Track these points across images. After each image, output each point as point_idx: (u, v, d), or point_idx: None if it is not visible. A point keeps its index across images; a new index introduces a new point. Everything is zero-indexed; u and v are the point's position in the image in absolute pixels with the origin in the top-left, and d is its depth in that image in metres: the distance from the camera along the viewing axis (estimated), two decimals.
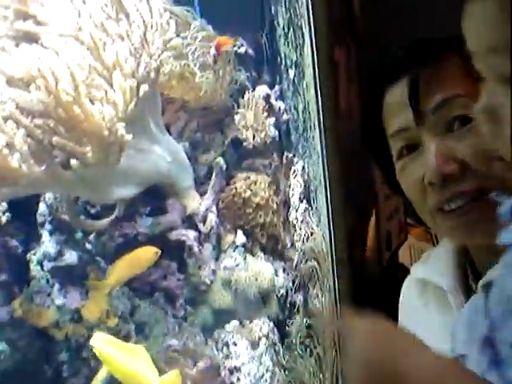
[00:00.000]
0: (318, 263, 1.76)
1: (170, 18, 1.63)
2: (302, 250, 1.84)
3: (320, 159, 1.85)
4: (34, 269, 1.56)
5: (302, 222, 1.91)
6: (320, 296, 1.72)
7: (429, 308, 0.93)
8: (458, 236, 0.82)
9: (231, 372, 1.63)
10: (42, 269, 1.57)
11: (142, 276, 1.62)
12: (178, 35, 1.72)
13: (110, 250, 1.61)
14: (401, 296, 1.01)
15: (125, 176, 1.51)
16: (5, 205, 1.49)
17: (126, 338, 1.60)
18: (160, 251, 1.59)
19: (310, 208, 1.90)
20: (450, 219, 0.79)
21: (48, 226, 1.58)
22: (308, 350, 1.74)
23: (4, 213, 1.45)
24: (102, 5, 1.48)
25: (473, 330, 0.64)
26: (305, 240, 1.85)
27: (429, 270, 0.92)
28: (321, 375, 1.69)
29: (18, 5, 1.39)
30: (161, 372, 1.49)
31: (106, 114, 1.34)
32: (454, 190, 0.77)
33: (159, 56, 1.51)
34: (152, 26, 1.52)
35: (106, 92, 1.34)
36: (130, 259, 1.58)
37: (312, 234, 1.85)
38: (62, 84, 1.26)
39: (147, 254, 1.59)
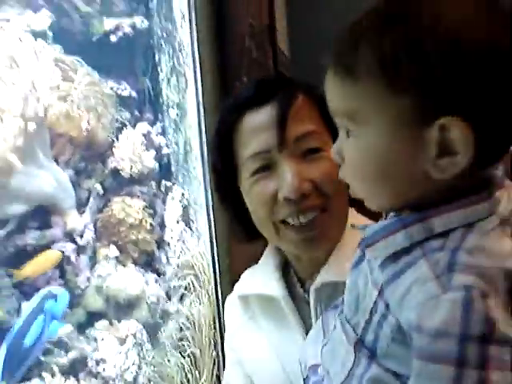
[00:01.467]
0: (196, 276, 2.18)
1: (56, 65, 2.15)
2: (177, 265, 2.31)
3: (202, 187, 2.36)
4: None
5: (177, 240, 2.37)
6: (198, 304, 2.12)
7: (256, 319, 1.10)
8: (300, 247, 0.98)
9: (98, 363, 2.11)
10: None
11: (30, 280, 2.12)
12: (65, 80, 2.29)
13: (3, 257, 2.06)
14: (225, 315, 1.19)
15: (16, 196, 2.01)
16: None
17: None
18: (61, 254, 2.11)
19: (188, 229, 2.35)
20: (296, 232, 0.96)
21: None
22: (180, 349, 2.11)
23: None
24: None
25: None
26: (180, 256, 2.31)
27: (257, 285, 1.08)
28: (196, 372, 2.04)
29: None
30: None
31: None
32: (306, 204, 0.94)
33: (46, 100, 2.07)
34: (40, 75, 2.03)
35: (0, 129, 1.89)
36: (41, 258, 2.06)
37: (189, 250, 2.27)
38: None
39: (53, 255, 2.10)
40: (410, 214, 0.66)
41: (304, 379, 0.83)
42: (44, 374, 2.03)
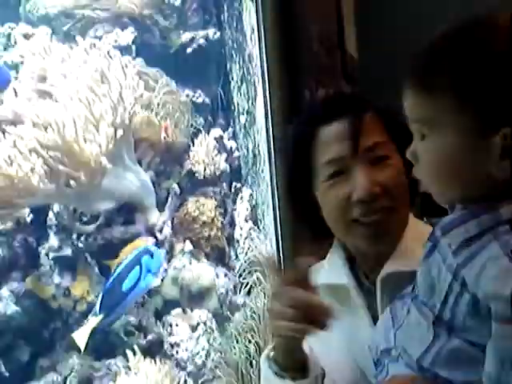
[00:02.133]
0: (262, 272, 2.39)
1: (140, 78, 2.43)
2: (244, 260, 2.55)
3: (269, 188, 2.26)
4: (43, 258, 2.43)
5: (246, 238, 2.63)
6: (263, 298, 2.33)
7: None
8: (369, 243, 1.06)
9: (172, 346, 2.43)
10: (48, 258, 2.42)
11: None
12: (147, 90, 2.63)
13: (93, 247, 2.43)
14: None
15: (105, 194, 2.34)
16: (28, 210, 2.35)
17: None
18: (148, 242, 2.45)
19: (255, 227, 2.61)
20: (366, 229, 1.05)
21: (54, 228, 2.41)
22: (247, 338, 2.33)
23: (27, 216, 2.36)
24: (92, 72, 2.40)
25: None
26: (248, 252, 2.56)
27: (327, 276, 1.15)
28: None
29: (40, 71, 2.32)
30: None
31: (93, 150, 2.24)
32: (376, 205, 1.03)
33: (131, 109, 2.41)
34: (126, 87, 2.34)
35: (94, 135, 2.26)
36: (132, 246, 2.39)
37: (256, 247, 2.51)
38: (67, 129, 2.16)
39: (141, 243, 2.42)
40: (478, 206, 0.77)
41: (375, 362, 0.91)
42: (127, 351, 2.36)
